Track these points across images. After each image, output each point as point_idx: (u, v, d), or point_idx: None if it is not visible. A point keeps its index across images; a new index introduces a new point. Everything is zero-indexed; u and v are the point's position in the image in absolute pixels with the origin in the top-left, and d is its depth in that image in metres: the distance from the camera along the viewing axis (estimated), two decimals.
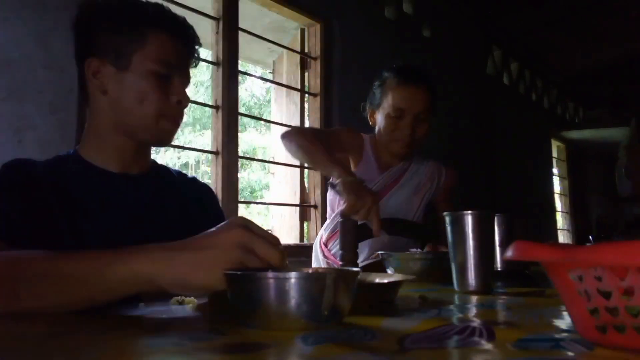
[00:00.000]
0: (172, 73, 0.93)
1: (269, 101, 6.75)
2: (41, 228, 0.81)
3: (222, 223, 0.63)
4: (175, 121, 0.95)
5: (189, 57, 0.98)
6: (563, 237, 5.96)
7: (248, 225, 0.60)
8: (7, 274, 0.65)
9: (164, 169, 1.07)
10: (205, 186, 1.13)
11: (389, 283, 0.78)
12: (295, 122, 2.59)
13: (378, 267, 1.21)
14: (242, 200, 5.82)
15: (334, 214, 1.65)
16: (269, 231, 0.66)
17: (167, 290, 0.61)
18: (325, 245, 1.67)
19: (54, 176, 0.89)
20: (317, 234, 2.51)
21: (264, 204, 5.93)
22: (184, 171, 1.12)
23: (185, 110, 0.98)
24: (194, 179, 1.11)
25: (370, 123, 1.68)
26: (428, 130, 1.63)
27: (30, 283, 0.63)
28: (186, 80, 0.97)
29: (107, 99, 0.92)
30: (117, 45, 0.91)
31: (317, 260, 1.71)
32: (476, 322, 0.57)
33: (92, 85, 0.93)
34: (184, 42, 0.96)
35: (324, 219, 2.47)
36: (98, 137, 0.95)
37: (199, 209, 1.04)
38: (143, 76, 0.91)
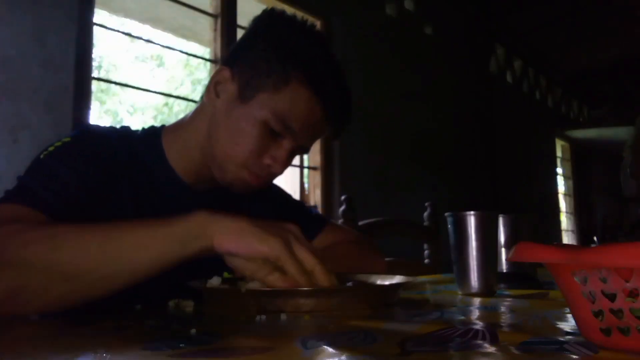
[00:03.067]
0: (286, 134, 0.82)
1: None
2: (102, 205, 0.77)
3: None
4: (258, 179, 0.84)
5: (321, 132, 0.86)
6: (567, 238, 5.94)
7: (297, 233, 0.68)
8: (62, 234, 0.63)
9: None
10: (274, 186, 1.04)
11: (390, 285, 0.77)
12: None
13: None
14: None
15: None
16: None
17: (217, 251, 0.64)
18: None
19: (130, 162, 0.83)
20: None
21: None
22: None
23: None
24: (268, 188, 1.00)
25: None
26: None
27: (93, 246, 0.62)
28: (301, 148, 0.85)
29: (210, 113, 0.84)
30: (257, 70, 0.81)
31: None
32: (479, 325, 0.57)
33: (208, 92, 0.84)
34: (329, 118, 0.84)
35: None
36: (185, 143, 0.86)
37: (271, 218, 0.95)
38: (253, 120, 0.80)
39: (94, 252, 0.62)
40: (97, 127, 0.87)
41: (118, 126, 0.90)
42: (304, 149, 0.87)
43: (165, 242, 0.63)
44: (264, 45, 0.82)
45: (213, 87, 0.84)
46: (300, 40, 0.84)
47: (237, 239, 0.63)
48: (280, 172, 0.85)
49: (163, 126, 0.90)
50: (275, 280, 0.63)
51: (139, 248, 0.63)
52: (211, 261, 0.68)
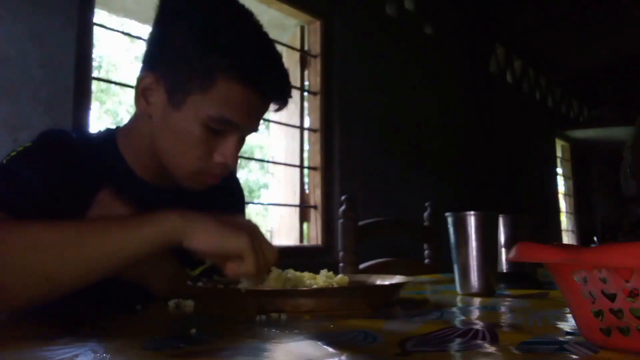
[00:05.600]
0: (228, 129, 0.79)
1: None
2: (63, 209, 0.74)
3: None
4: (215, 177, 0.83)
5: (264, 112, 0.83)
6: (567, 238, 5.94)
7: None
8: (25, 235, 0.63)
9: None
10: (237, 189, 1.05)
11: (390, 285, 0.77)
12: (295, 121, 2.59)
13: (379, 268, 1.20)
14: None
15: None
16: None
17: (193, 248, 0.65)
18: None
19: (91, 164, 0.81)
20: (317, 235, 2.49)
21: (263, 204, 5.93)
22: None
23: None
24: (228, 180, 0.98)
25: None
26: None
27: (62, 240, 0.63)
28: (247, 133, 0.83)
29: (150, 124, 0.81)
30: (179, 72, 0.76)
31: None
32: (479, 325, 0.57)
33: (139, 102, 0.80)
34: (264, 99, 0.80)
35: (324, 220, 2.46)
36: (138, 144, 0.85)
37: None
38: (191, 126, 0.76)
39: (69, 254, 0.63)
40: (57, 130, 0.85)
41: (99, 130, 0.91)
42: (252, 132, 0.84)
43: (137, 242, 0.64)
44: (179, 40, 0.76)
45: (141, 96, 0.79)
46: (218, 24, 0.76)
47: (206, 238, 0.65)
48: (234, 164, 0.82)
49: (118, 127, 0.89)
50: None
51: (111, 250, 0.64)
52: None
